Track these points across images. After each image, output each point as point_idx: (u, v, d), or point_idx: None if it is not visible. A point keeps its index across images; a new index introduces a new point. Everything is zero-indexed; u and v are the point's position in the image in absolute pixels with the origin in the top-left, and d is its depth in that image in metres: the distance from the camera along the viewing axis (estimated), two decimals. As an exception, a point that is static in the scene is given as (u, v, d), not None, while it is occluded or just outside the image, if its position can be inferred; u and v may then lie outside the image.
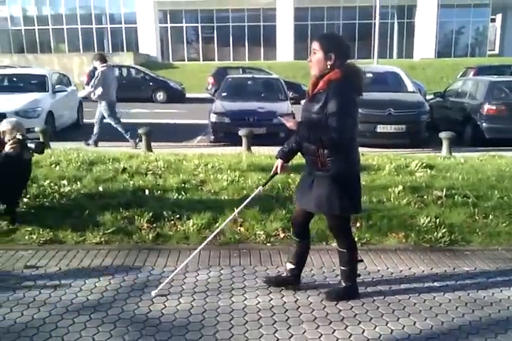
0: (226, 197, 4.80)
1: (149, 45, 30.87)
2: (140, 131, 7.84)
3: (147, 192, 4.84)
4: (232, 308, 2.95)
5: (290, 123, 2.90)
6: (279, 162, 3.13)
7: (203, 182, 5.26)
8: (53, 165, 5.70)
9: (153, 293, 3.09)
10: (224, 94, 10.33)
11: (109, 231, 4.06)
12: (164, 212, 4.36)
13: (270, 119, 9.04)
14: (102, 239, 3.96)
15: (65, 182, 5.03)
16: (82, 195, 4.78)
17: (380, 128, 8.85)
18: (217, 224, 4.20)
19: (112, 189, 4.95)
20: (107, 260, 3.65)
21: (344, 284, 3.10)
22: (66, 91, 11.04)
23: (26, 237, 3.98)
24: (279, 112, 9.31)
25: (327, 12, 31.71)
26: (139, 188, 4.96)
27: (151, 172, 5.55)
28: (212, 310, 2.93)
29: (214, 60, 31.33)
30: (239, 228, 4.22)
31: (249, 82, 11.10)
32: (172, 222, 4.26)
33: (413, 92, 9.96)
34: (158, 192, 4.85)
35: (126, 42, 32.40)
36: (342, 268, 3.08)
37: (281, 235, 4.12)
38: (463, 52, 31.81)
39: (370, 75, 10.39)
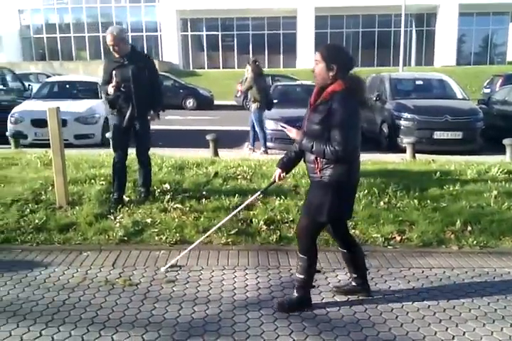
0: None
1: (172, 52, 31.19)
2: (208, 137, 7.97)
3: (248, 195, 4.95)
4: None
5: (292, 133, 2.91)
6: (278, 171, 3.14)
7: (296, 186, 5.37)
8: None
9: (162, 269, 3.49)
10: (275, 101, 10.46)
11: (232, 232, 4.18)
12: (275, 215, 4.48)
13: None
14: (229, 240, 4.08)
15: (167, 186, 5.15)
16: (187, 197, 4.90)
17: (437, 135, 8.94)
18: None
19: (213, 192, 5.06)
20: (242, 260, 3.76)
21: (297, 294, 3.00)
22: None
23: (156, 238, 4.10)
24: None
25: (346, 20, 31.97)
26: (239, 192, 5.07)
27: (240, 176, 5.66)
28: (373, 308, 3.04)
29: (234, 68, 31.58)
30: (353, 231, 4.32)
31: (297, 89, 11.25)
32: (287, 225, 4.38)
33: (464, 99, 10.06)
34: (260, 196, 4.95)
35: (147, 50, 32.71)
36: (299, 276, 2.99)
37: (398, 238, 4.22)
38: (482, 60, 31.92)
39: (421, 82, 10.52)
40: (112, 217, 4.46)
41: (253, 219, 4.40)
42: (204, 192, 5.01)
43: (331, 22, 31.79)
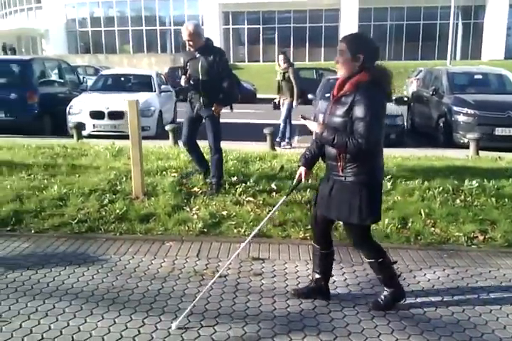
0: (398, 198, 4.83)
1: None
2: (265, 131, 7.97)
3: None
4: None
5: (313, 126, 2.77)
6: (302, 169, 2.98)
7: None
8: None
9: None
10: (327, 94, 10.36)
11: (308, 227, 4.15)
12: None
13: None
14: (307, 235, 4.06)
15: (235, 178, 5.17)
16: (257, 191, 4.90)
17: (499, 131, 8.65)
18: (410, 224, 4.24)
19: (282, 186, 5.04)
20: (324, 256, 3.73)
21: (388, 290, 2.95)
22: (170, 91, 11.36)
23: (234, 230, 4.13)
24: (388, 113, 9.32)
25: (390, 12, 31.33)
26: (307, 186, 5.03)
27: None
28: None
29: (274, 61, 31.44)
30: (433, 229, 4.23)
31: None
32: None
33: (526, 95, 9.69)
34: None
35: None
36: (378, 276, 2.95)
37: (480, 237, 4.10)
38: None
39: (479, 76, 10.20)
40: (188, 209, 4.51)
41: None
42: (273, 186, 5.00)
43: (375, 14, 31.26)
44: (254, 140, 8.68)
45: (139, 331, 2.64)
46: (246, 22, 32.97)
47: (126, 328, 2.67)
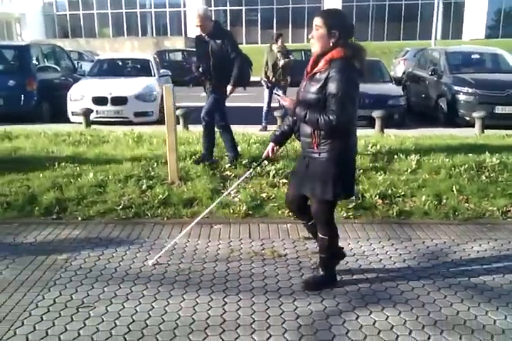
0: (426, 176, 4.98)
1: (196, 28, 30.83)
2: (276, 113, 8.03)
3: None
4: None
5: (286, 102, 2.80)
6: (270, 145, 3.05)
7: (389, 162, 5.42)
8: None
9: (150, 263, 3.28)
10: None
11: (350, 206, 4.28)
12: (386, 189, 4.56)
13: (385, 101, 9.18)
14: (349, 214, 4.19)
15: (265, 162, 5.24)
16: (289, 173, 4.99)
17: (499, 110, 8.88)
18: (444, 201, 4.41)
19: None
20: (371, 233, 3.87)
21: (321, 273, 3.01)
22: (169, 75, 11.25)
23: (278, 212, 4.22)
24: (389, 94, 9.49)
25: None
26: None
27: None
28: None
29: (257, 43, 31.24)
30: (467, 204, 4.40)
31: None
32: (400, 199, 4.47)
33: (523, 73, 9.93)
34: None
35: (171, 26, 32.47)
36: (321, 255, 2.98)
37: (514, 211, 4.30)
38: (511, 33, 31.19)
39: (477, 56, 10.40)
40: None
41: (364, 194, 4.49)
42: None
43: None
44: (257, 123, 8.69)
45: (224, 310, 2.74)
46: (228, 3, 32.53)
47: (211, 307, 2.76)
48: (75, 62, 12.21)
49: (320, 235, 2.94)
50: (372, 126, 7.91)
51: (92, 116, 9.34)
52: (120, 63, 11.34)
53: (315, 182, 2.76)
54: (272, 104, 8.99)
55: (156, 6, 32.37)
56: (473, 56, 10.49)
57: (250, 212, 4.22)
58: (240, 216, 4.17)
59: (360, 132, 7.02)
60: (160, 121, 9.65)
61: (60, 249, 3.54)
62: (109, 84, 9.71)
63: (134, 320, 2.64)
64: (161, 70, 10.98)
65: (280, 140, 3.05)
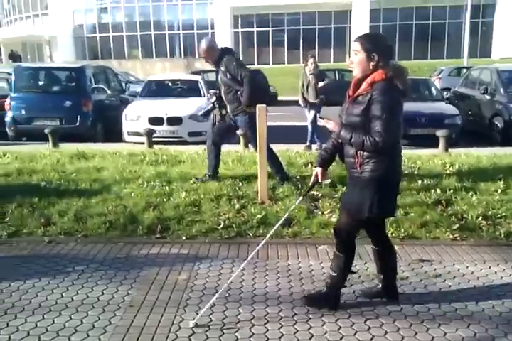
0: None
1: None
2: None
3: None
4: None
5: (331, 125, 2.83)
6: (318, 170, 3.04)
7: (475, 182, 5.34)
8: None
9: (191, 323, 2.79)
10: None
11: (454, 228, 4.19)
12: (486, 210, 4.48)
13: (441, 120, 9.15)
14: (456, 236, 4.10)
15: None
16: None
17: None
18: None
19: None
20: (484, 256, 3.78)
21: (325, 291, 2.96)
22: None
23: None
24: (446, 112, 9.44)
25: (400, 12, 31.56)
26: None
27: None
28: None
29: (284, 63, 31.60)
30: None
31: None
32: (502, 220, 4.36)
33: None
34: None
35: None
36: (331, 273, 2.94)
37: None
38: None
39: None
40: (320, 212, 4.55)
41: (464, 215, 4.41)
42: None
43: (384, 15, 31.47)
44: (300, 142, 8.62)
45: (372, 335, 2.68)
46: (255, 25, 33.06)
47: (356, 332, 2.70)
48: (123, 83, 12.44)
49: (337, 252, 2.93)
50: (427, 146, 7.86)
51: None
52: (170, 84, 11.50)
53: (352, 199, 2.79)
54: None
55: (184, 28, 33.04)
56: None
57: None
58: (343, 236, 4.11)
59: (423, 151, 7.25)
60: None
61: (174, 268, 3.53)
62: (164, 104, 9.84)
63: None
64: (211, 91, 11.07)
65: (326, 162, 3.04)
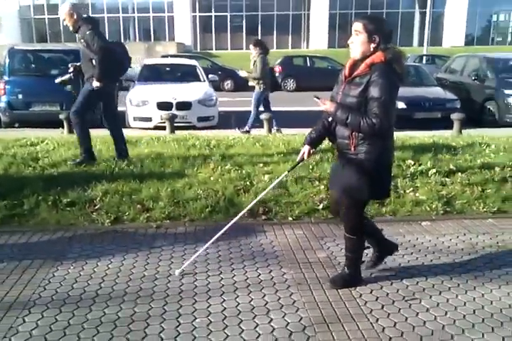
0: None
1: (183, 34, 30.77)
2: (262, 116, 8.23)
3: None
4: None
5: (326, 106, 2.78)
6: (306, 148, 3.01)
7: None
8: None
9: (176, 272, 3.13)
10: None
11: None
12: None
13: (443, 104, 9.62)
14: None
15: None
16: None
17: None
18: None
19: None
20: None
21: (347, 271, 3.03)
22: (216, 80, 11.24)
23: (473, 207, 4.40)
24: (447, 97, 9.94)
25: (356, 1, 32.24)
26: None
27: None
28: None
29: (242, 49, 31.41)
30: None
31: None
32: None
33: None
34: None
35: (154, 31, 32.15)
36: (348, 254, 3.01)
37: None
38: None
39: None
40: (402, 191, 4.71)
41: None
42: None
43: (341, 2, 32.01)
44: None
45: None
46: (214, 9, 32.58)
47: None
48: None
49: (348, 235, 2.96)
50: (430, 128, 8.27)
51: (156, 122, 9.25)
52: (168, 69, 11.22)
53: (351, 182, 2.77)
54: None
55: (139, 11, 31.98)
56: (510, 62, 11.07)
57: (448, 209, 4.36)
58: (439, 213, 4.31)
59: (436, 133, 7.59)
60: (219, 125, 9.68)
61: (305, 247, 3.58)
62: (171, 89, 9.62)
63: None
64: (210, 75, 10.95)
65: (315, 142, 3.01)
